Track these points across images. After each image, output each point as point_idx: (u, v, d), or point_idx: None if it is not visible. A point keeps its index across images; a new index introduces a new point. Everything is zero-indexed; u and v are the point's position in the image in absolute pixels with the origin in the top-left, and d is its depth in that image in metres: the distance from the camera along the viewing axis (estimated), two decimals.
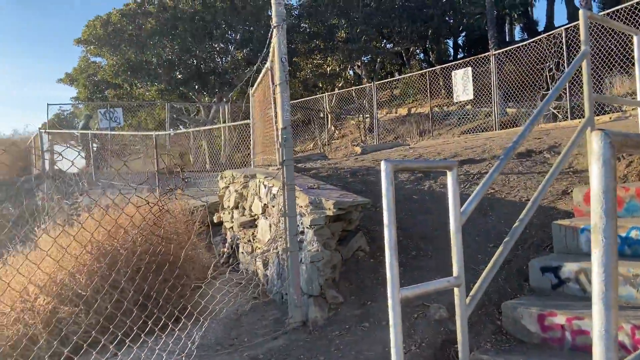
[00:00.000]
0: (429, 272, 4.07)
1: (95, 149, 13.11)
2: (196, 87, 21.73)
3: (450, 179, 2.83)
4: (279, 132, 4.15)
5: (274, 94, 6.89)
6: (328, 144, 19.05)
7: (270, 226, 5.47)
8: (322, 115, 20.28)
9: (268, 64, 6.97)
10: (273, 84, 6.80)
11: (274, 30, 4.02)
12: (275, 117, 6.71)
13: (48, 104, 18.65)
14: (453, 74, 12.65)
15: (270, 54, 6.30)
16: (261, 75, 8.09)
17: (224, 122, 20.46)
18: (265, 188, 5.75)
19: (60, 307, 3.49)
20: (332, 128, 20.61)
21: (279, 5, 3.95)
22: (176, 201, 4.78)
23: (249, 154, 11.84)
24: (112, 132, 14.25)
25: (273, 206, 5.42)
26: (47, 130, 13.97)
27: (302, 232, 4.38)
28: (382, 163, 2.56)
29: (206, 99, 22.66)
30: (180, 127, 22.86)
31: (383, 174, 2.58)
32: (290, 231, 4.00)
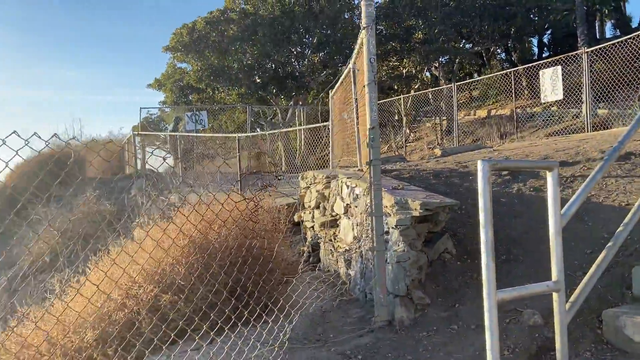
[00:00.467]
0: (520, 277, 3.96)
1: (181, 150, 13.81)
2: (274, 90, 22.29)
3: (550, 179, 2.74)
4: (367, 132, 4.19)
5: (355, 95, 6.99)
6: (403, 147, 18.86)
7: (353, 226, 5.53)
8: (396, 117, 20.12)
9: (350, 66, 7.06)
10: (355, 85, 6.90)
11: (363, 31, 4.07)
12: (357, 118, 6.79)
13: (141, 108, 19.96)
14: (541, 73, 12.10)
15: (354, 56, 6.37)
16: (342, 77, 8.19)
17: (300, 124, 20.86)
18: (347, 188, 5.81)
19: (161, 295, 3.73)
20: (407, 130, 20.38)
21: (369, 6, 4.00)
22: (266, 199, 4.96)
23: (323, 156, 12.00)
24: (198, 134, 14.96)
25: (356, 206, 5.47)
26: (139, 132, 14.90)
27: (387, 233, 4.39)
28: (479, 162, 2.53)
29: (283, 102, 23.18)
30: (257, 129, 23.54)
31: (480, 174, 2.55)
32: (377, 231, 4.02)
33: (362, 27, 4.09)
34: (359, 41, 5.24)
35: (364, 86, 4.25)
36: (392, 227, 4.30)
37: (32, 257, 9.51)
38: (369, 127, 4.10)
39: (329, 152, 10.62)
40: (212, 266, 3.38)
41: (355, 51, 6.00)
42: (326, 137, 10.20)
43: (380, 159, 4.24)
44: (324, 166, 10.68)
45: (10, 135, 2.70)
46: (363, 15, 4.04)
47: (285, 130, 16.28)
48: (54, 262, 9.06)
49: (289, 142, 17.15)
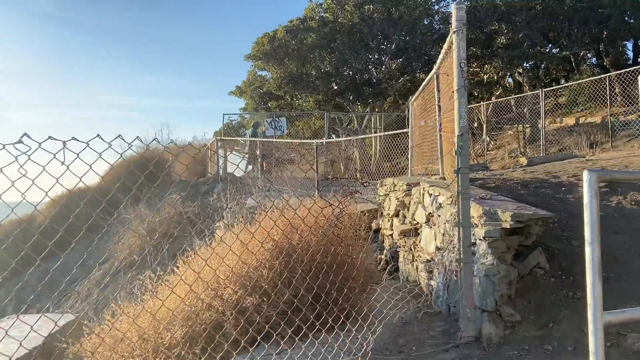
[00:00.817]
0: (622, 297, 3.66)
1: (260, 155, 14.15)
2: (351, 97, 22.33)
3: None
4: (454, 139, 4.05)
5: (438, 101, 6.82)
6: (483, 155, 18.21)
7: (435, 235, 5.37)
8: (476, 124, 19.48)
9: (433, 71, 6.91)
10: (439, 91, 6.74)
11: (453, 35, 3.95)
12: (440, 124, 6.61)
13: (223, 114, 20.70)
14: None
15: (439, 61, 6.22)
16: (425, 82, 8.02)
17: (376, 131, 20.74)
18: (430, 197, 5.67)
19: (245, 297, 3.81)
20: (487, 138, 19.66)
21: (460, 9, 3.88)
22: (350, 205, 4.95)
23: (397, 163, 11.81)
24: (276, 140, 15.29)
25: (439, 215, 5.32)
26: (221, 137, 15.46)
27: (474, 244, 4.22)
28: (585, 173, 2.36)
29: (360, 108, 23.17)
30: (333, 135, 23.67)
31: (585, 185, 2.36)
32: (464, 242, 3.87)
33: (452, 31, 3.97)
34: (445, 45, 5.10)
35: (452, 92, 4.12)
36: (480, 239, 4.13)
37: (124, 254, 10.11)
38: (458, 134, 3.96)
39: (404, 159, 10.44)
40: (297, 270, 3.40)
41: (441, 56, 5.86)
42: (405, 144, 10.06)
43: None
44: (399, 173, 10.51)
45: (115, 138, 2.86)
46: (454, 19, 3.92)
47: (362, 137, 16.24)
48: (141, 260, 9.56)
49: (364, 149, 17.06)
